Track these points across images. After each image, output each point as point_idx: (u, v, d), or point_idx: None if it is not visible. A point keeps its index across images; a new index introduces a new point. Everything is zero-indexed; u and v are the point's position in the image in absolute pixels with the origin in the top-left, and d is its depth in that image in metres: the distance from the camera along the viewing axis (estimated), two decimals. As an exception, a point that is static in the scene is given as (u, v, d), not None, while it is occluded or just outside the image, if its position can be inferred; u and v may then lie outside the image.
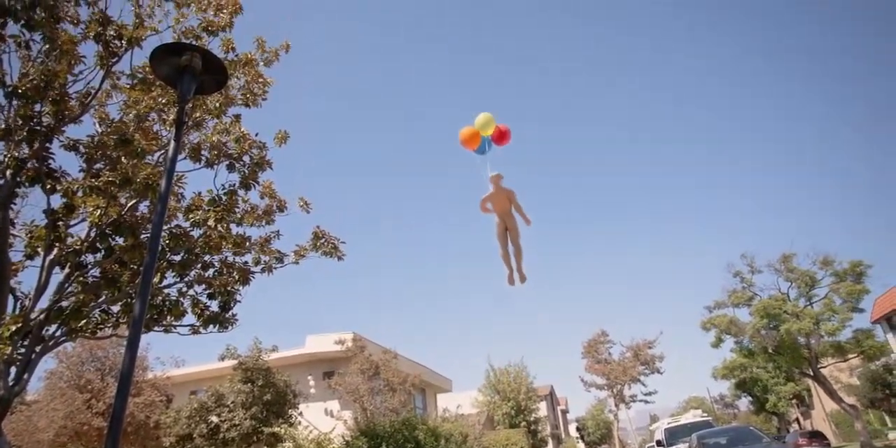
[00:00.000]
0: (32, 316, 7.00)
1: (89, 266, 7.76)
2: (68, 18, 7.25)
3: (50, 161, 7.18)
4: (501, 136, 7.61)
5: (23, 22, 6.63)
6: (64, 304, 7.45)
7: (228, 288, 8.61)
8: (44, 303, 7.27)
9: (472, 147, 7.64)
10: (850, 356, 27.69)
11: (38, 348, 7.09)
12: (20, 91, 6.66)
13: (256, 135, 8.82)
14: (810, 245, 36.83)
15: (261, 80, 8.88)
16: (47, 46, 6.90)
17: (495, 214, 7.85)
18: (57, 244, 7.29)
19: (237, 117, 8.94)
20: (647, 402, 45.43)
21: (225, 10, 8.30)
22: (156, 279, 8.13)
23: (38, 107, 6.94)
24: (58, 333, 7.45)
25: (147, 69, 7.68)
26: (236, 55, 8.66)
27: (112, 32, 7.26)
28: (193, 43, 7.84)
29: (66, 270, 7.50)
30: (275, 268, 9.15)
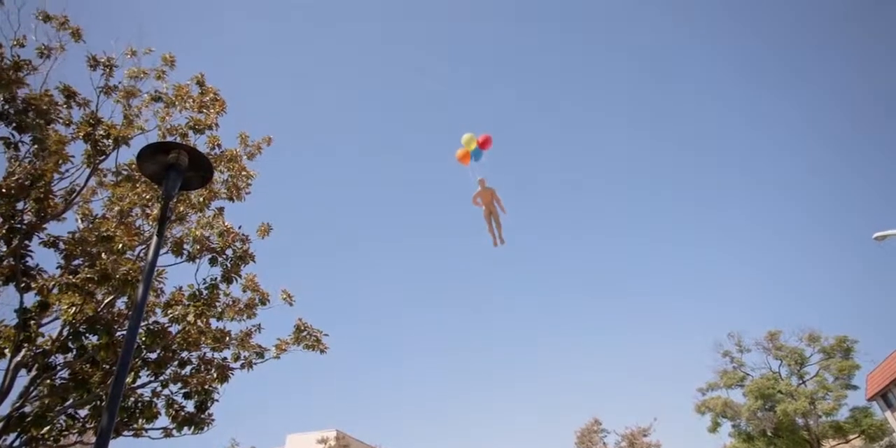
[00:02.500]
0: (-10, 425, 6.53)
1: (58, 367, 7.39)
2: (60, 119, 7.47)
3: (28, 258, 7.07)
4: (485, 143, 9.86)
5: (14, 125, 6.82)
6: (27, 409, 6.99)
7: (206, 386, 8.20)
8: (4, 409, 6.82)
9: (466, 162, 9.89)
10: (852, 437, 26.86)
11: (-9, 462, 6.55)
12: (3, 191, 6.69)
13: (240, 228, 8.86)
14: (793, 320, 37.08)
15: (244, 173, 9.07)
16: (36, 147, 7.04)
17: (483, 205, 10.59)
18: (25, 345, 6.98)
19: (220, 210, 9.01)
20: (647, 496, 42.84)
21: (211, 109, 8.65)
22: (129, 379, 7.75)
23: (20, 204, 6.95)
24: (16, 443, 6.92)
25: (133, 166, 7.84)
26: (221, 151, 8.91)
27: (101, 132, 7.49)
28: (179, 140, 8.10)
29: (33, 373, 7.13)
30: (255, 363, 8.81)
